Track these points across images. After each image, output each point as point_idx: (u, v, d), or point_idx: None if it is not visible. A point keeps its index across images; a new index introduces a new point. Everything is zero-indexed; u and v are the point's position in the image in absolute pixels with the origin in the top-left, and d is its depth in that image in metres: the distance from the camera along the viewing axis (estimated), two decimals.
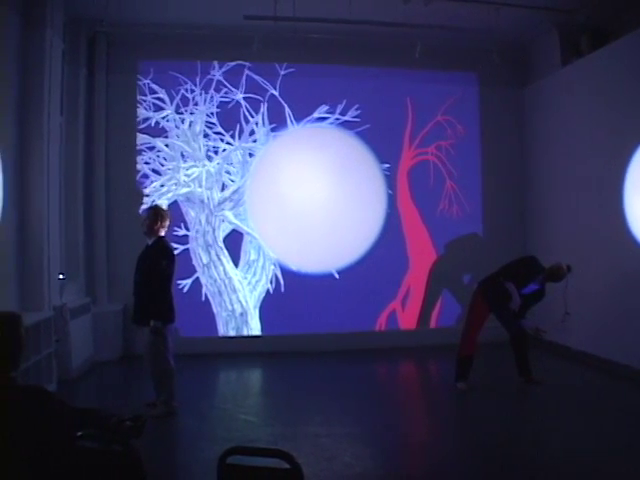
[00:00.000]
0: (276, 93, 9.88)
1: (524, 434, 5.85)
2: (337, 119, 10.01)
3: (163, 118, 9.64)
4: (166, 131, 9.69)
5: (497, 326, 7.54)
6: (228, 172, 9.79)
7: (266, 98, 9.85)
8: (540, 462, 5.08)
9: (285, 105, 9.89)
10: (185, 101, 9.71)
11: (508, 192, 10.48)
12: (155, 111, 9.64)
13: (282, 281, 9.81)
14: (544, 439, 5.65)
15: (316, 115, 9.96)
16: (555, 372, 8.22)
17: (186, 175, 9.68)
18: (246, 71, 9.79)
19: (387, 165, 10.12)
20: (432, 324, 10.23)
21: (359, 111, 10.02)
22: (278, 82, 9.89)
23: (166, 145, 9.66)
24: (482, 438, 5.79)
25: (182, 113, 9.69)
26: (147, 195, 9.56)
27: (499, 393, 7.26)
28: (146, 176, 9.62)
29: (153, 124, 9.64)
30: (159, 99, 9.64)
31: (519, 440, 5.67)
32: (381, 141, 10.11)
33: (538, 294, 7.48)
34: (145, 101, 9.62)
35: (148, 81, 9.63)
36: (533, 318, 7.79)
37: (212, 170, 9.73)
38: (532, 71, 10.35)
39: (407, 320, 10.16)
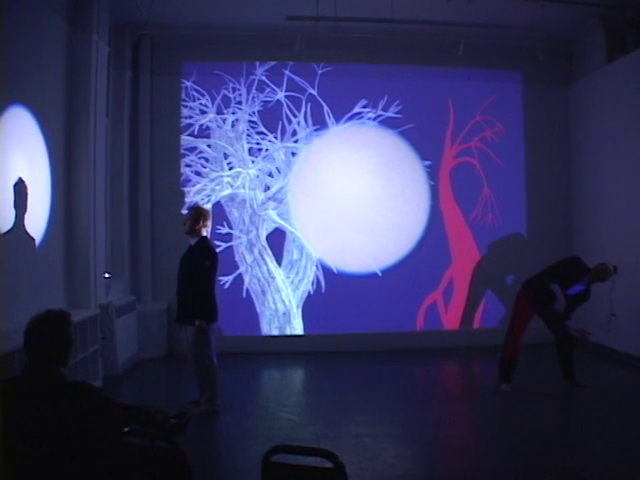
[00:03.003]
0: (314, 92, 9.90)
1: (568, 437, 5.78)
2: (379, 115, 9.98)
3: (207, 120, 9.75)
4: (209, 131, 9.79)
5: (541, 327, 7.45)
6: (270, 173, 9.85)
7: (306, 97, 9.89)
8: (584, 466, 5.01)
9: (324, 104, 9.91)
10: (227, 102, 9.80)
11: (553, 191, 10.32)
12: (201, 113, 9.75)
13: (324, 281, 9.84)
14: (588, 443, 5.57)
15: (356, 112, 9.95)
16: (600, 375, 8.08)
17: (229, 176, 9.77)
18: (287, 72, 9.83)
19: (428, 162, 10.07)
20: (475, 324, 10.14)
21: (400, 107, 10.00)
22: (316, 81, 9.92)
23: (208, 146, 9.76)
24: (524, 440, 5.71)
25: (225, 114, 9.79)
26: (191, 195, 9.67)
27: (543, 395, 7.16)
28: (190, 177, 9.74)
29: (197, 126, 9.75)
30: (202, 102, 9.75)
31: (562, 443, 5.59)
32: (423, 140, 10.05)
33: (583, 295, 7.35)
34: (188, 106, 9.74)
35: (191, 83, 9.75)
36: (578, 320, 7.67)
37: (255, 171, 9.80)
38: (577, 68, 10.17)
39: (450, 320, 10.09)
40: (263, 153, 9.84)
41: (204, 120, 9.76)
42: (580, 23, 9.44)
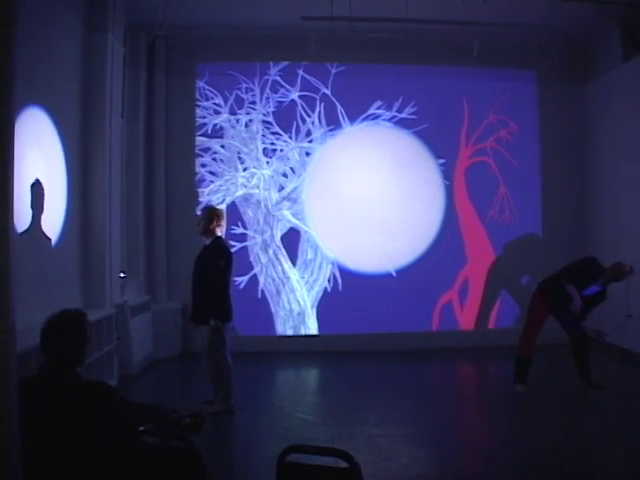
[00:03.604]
0: (328, 92, 9.90)
1: (583, 439, 5.73)
2: (394, 117, 9.97)
3: (220, 120, 9.78)
4: (223, 131, 9.82)
5: (557, 328, 7.41)
6: (284, 173, 9.86)
7: (320, 97, 9.88)
8: (600, 466, 4.98)
9: (338, 105, 9.90)
10: (240, 102, 9.82)
11: (569, 192, 10.25)
12: (216, 113, 9.77)
13: (339, 281, 9.83)
14: (604, 444, 5.53)
15: (371, 112, 9.94)
16: (616, 376, 8.02)
17: (243, 176, 9.79)
18: (300, 72, 9.83)
19: (443, 160, 10.03)
20: (490, 325, 10.10)
21: (415, 108, 9.97)
22: (330, 81, 9.91)
23: (222, 146, 9.78)
24: (540, 442, 5.68)
25: (238, 114, 9.80)
26: (205, 195, 9.70)
27: (558, 396, 7.12)
28: (204, 177, 9.76)
29: (211, 126, 9.78)
30: (216, 102, 9.77)
31: (577, 445, 5.55)
32: (438, 139, 10.03)
33: (599, 296, 7.30)
34: (202, 105, 9.77)
35: (203, 83, 9.77)
36: (594, 320, 7.61)
37: (269, 171, 9.81)
38: (592, 67, 10.09)
39: (465, 320, 10.06)
40: (277, 153, 9.85)
41: (218, 120, 9.78)
42: (595, 22, 9.37)
